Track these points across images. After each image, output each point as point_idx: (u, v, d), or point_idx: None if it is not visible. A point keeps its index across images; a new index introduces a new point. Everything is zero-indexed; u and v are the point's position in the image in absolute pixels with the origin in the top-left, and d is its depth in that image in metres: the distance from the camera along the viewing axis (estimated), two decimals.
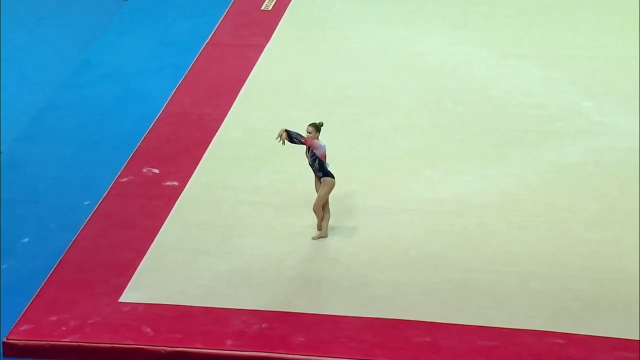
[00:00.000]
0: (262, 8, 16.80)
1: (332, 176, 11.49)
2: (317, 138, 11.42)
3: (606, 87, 14.60)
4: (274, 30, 16.09)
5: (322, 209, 11.61)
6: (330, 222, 11.81)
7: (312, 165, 11.49)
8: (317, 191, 11.62)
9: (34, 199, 12.55)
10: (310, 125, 11.46)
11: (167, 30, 16.41)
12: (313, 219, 11.94)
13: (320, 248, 11.58)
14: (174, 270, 11.23)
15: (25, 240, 11.87)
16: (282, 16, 16.46)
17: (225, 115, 14.06)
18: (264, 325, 10.55)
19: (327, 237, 11.70)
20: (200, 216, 12.10)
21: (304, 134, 11.45)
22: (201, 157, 13.16)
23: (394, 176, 12.76)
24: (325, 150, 11.45)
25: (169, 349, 10.34)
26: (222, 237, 11.74)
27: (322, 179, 11.48)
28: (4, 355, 10.38)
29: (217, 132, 13.68)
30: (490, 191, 12.47)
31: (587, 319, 10.62)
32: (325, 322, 10.59)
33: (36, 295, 10.91)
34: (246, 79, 14.85)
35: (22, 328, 10.51)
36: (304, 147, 11.51)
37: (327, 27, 16.26)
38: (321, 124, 11.49)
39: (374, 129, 13.77)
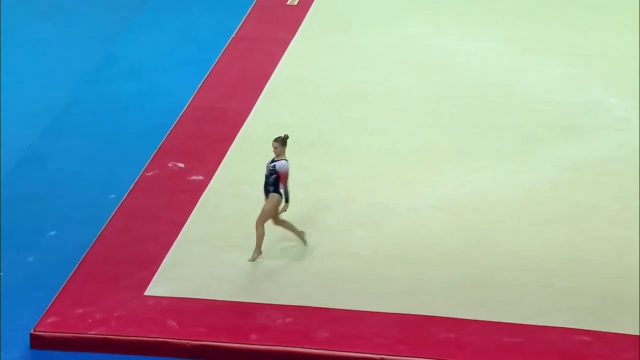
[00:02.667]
0: (288, 3, 16.85)
1: (281, 195, 11.16)
2: (284, 152, 11.17)
3: (629, 84, 14.56)
4: (299, 25, 16.13)
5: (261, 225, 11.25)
6: (352, 218, 11.84)
7: (267, 177, 11.20)
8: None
9: (60, 193, 12.62)
10: (275, 140, 11.17)
11: (192, 25, 16.48)
12: (338, 213, 11.98)
13: (342, 244, 11.59)
14: (198, 265, 11.27)
15: (52, 233, 11.95)
16: (307, 11, 16.50)
17: (250, 110, 14.11)
18: (288, 320, 10.59)
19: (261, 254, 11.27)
20: (224, 211, 12.15)
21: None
22: (226, 151, 13.20)
23: (415, 172, 12.78)
24: (287, 170, 11.12)
25: (193, 342, 10.37)
26: (246, 232, 11.77)
27: (269, 194, 11.18)
28: (32, 346, 10.45)
29: (241, 127, 13.73)
30: (512, 187, 12.48)
31: (610, 316, 10.60)
32: (349, 318, 10.61)
33: (62, 288, 10.97)
34: (271, 74, 14.89)
35: (49, 320, 10.58)
36: (283, 151, 11.13)
37: (352, 22, 16.29)
38: (286, 137, 11.23)
39: (395, 124, 13.79)
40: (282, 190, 11.16)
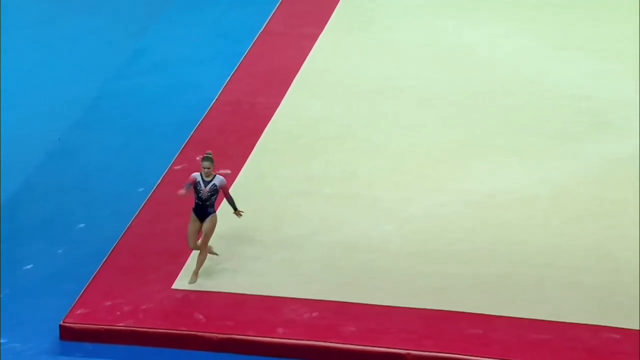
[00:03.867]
0: None
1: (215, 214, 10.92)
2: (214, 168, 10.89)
3: None
4: (328, 19, 16.14)
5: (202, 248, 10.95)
6: (378, 213, 11.84)
7: (207, 199, 10.80)
8: (190, 231, 10.88)
9: (89, 186, 12.73)
10: (206, 160, 10.80)
11: (220, 19, 16.53)
12: (364, 208, 12.00)
13: (369, 239, 11.59)
14: (226, 258, 11.31)
15: (81, 225, 12.06)
16: (336, 6, 16.51)
17: (278, 105, 14.14)
18: (314, 314, 10.62)
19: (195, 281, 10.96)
20: (252, 205, 12.15)
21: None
22: (254, 146, 13.25)
23: (442, 168, 12.77)
24: (226, 181, 10.91)
25: (220, 335, 10.44)
26: (273, 226, 11.82)
27: (209, 216, 10.82)
28: (61, 337, 10.56)
29: (269, 122, 13.78)
30: (540, 183, 12.44)
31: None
32: (375, 312, 10.63)
33: (91, 280, 11.07)
34: (299, 68, 14.91)
35: (78, 312, 10.68)
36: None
37: (381, 17, 16.27)
38: (210, 154, 10.89)
39: (422, 120, 13.77)
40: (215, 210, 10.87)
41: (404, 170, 12.70)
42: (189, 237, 10.94)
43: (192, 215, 10.92)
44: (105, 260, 11.35)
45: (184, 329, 10.50)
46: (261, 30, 16.04)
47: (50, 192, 12.67)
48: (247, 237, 11.68)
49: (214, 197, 10.92)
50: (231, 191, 12.39)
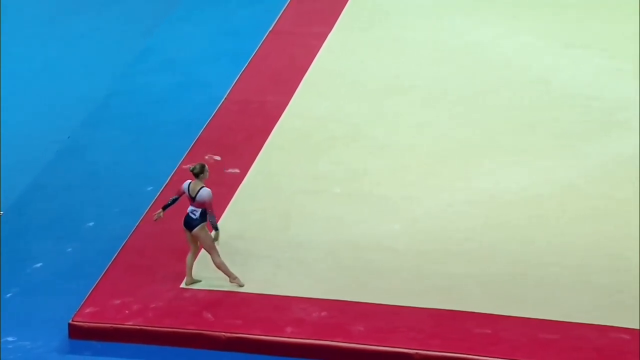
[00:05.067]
0: None
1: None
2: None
3: None
4: (337, 18, 16.16)
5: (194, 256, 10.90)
6: (386, 212, 11.83)
7: (208, 218, 10.71)
8: (192, 244, 10.82)
9: (99, 185, 12.77)
10: (203, 174, 10.73)
11: (230, 17, 16.56)
12: (372, 207, 12.00)
13: (377, 238, 11.60)
14: (234, 258, 11.33)
15: (90, 224, 12.09)
16: (345, 4, 16.52)
17: (287, 104, 14.15)
18: (323, 314, 10.63)
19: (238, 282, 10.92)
20: (260, 204, 12.21)
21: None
22: (262, 144, 13.26)
23: (450, 167, 12.77)
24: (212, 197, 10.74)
25: (229, 334, 10.46)
26: (282, 225, 11.83)
27: (200, 225, 10.70)
28: (70, 336, 10.60)
29: (278, 120, 13.79)
30: (549, 182, 12.42)
31: None
32: (384, 312, 10.64)
33: (100, 279, 11.11)
34: (308, 67, 14.92)
35: (87, 310, 10.72)
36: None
37: (389, 16, 16.28)
38: (194, 168, 10.80)
39: (431, 119, 13.77)
40: (209, 218, 10.72)
41: (412, 168, 12.71)
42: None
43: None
44: (114, 259, 11.38)
45: (192, 327, 10.53)
46: (270, 29, 16.05)
47: (60, 190, 12.70)
48: (255, 235, 11.70)
49: (201, 209, 10.72)
50: (240, 189, 12.52)
